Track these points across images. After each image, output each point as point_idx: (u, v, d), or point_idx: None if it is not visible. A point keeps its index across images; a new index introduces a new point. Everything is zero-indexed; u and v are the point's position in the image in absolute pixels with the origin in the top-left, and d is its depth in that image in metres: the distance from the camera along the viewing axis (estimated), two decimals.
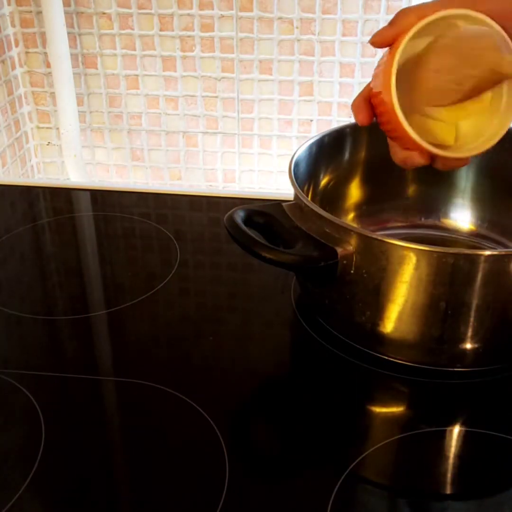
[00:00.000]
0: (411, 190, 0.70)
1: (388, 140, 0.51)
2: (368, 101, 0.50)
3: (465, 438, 0.49)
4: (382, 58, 0.49)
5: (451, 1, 0.46)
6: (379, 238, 0.50)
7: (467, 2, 0.46)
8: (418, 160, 0.49)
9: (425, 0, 0.48)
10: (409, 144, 0.48)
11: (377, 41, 0.48)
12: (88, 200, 0.81)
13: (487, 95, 0.49)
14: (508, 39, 0.46)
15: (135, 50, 1.09)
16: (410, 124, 0.47)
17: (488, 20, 0.46)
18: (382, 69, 0.47)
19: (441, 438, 0.49)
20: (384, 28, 0.48)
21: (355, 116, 0.51)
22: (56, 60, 1.06)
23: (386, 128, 0.49)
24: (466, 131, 0.50)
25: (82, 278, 0.68)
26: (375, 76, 0.49)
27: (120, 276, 0.68)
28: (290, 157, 0.59)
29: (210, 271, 0.68)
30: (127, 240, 0.74)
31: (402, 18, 0.47)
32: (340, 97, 1.08)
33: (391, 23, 0.48)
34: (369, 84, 0.50)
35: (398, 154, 0.50)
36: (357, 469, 0.46)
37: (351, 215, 0.69)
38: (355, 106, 0.51)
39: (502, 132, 0.49)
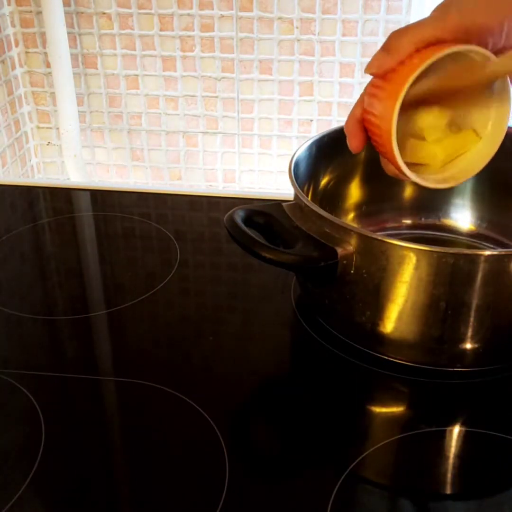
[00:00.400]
0: (411, 190, 0.70)
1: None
2: (362, 123, 0.49)
3: (465, 438, 0.50)
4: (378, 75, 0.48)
5: (444, 19, 0.45)
6: (379, 238, 0.50)
7: (464, 15, 0.44)
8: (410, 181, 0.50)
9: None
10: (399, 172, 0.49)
11: (376, 72, 0.47)
12: (88, 200, 0.81)
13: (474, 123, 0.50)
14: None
15: (135, 50, 1.09)
16: (404, 147, 0.48)
17: (490, 55, 0.45)
18: (384, 101, 0.46)
19: (441, 438, 0.49)
20: (380, 56, 0.46)
21: (349, 142, 0.50)
22: (56, 60, 1.06)
23: (379, 150, 0.50)
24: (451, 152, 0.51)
25: (82, 278, 0.68)
26: (371, 102, 0.48)
27: (120, 276, 0.68)
28: (290, 157, 0.59)
29: (210, 271, 0.68)
30: (127, 240, 0.74)
31: (396, 43, 0.46)
32: (340, 97, 1.08)
33: (386, 49, 0.46)
34: (360, 102, 0.49)
35: (389, 167, 0.51)
36: (357, 469, 0.46)
37: (351, 215, 0.69)
38: (349, 131, 0.50)
39: (486, 160, 0.50)
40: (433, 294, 0.49)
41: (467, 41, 0.45)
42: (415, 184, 0.50)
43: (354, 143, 0.50)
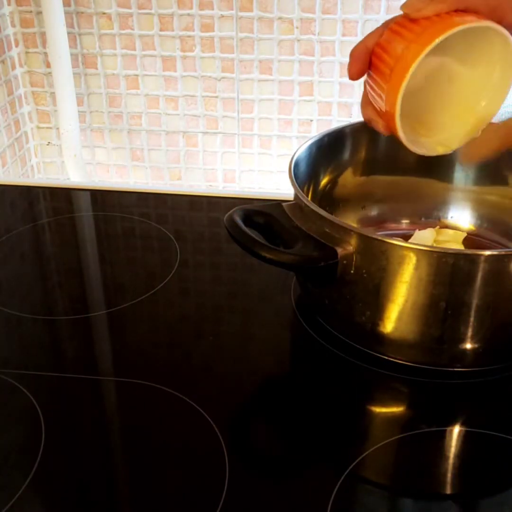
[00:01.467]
0: (411, 190, 0.70)
1: (365, 90, 0.50)
2: (369, 54, 0.48)
3: (465, 438, 0.49)
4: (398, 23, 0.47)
5: None
6: (379, 238, 0.50)
7: None
8: (381, 130, 0.49)
9: None
10: (389, 128, 0.48)
11: (411, 14, 0.46)
12: (88, 200, 0.81)
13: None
14: None
15: (135, 50, 1.09)
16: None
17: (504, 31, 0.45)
18: (407, 43, 0.45)
19: (441, 438, 0.49)
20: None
21: (349, 66, 0.49)
22: (56, 60, 1.06)
23: (374, 90, 0.48)
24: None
25: (82, 278, 0.68)
26: (391, 39, 0.47)
27: (120, 276, 0.68)
28: (290, 157, 0.59)
29: (210, 271, 0.68)
30: (127, 240, 0.74)
31: None
32: (340, 97, 1.08)
33: None
34: (376, 34, 0.48)
35: (368, 109, 0.50)
36: (357, 469, 0.46)
37: (351, 215, 0.69)
38: (354, 55, 0.49)
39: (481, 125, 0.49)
40: (433, 294, 0.49)
41: (500, 17, 0.45)
42: (402, 145, 0.48)
43: (354, 68, 0.49)
